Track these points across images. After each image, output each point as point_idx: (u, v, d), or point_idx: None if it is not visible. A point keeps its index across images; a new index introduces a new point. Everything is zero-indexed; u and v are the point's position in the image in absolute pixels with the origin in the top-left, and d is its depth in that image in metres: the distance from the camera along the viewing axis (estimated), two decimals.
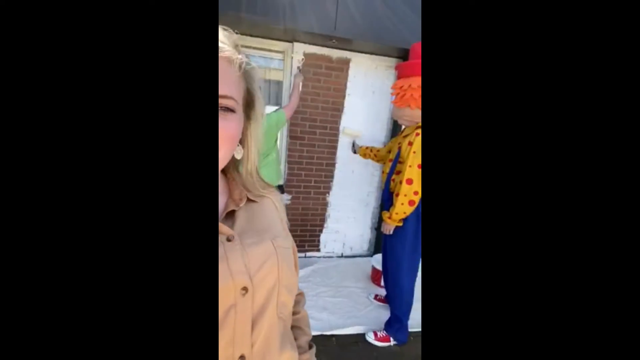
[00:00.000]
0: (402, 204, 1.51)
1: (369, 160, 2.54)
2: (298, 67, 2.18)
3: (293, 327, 0.54)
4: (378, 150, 2.09)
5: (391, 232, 1.62)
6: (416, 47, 1.62)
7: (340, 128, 2.41)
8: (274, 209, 0.51)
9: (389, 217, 1.57)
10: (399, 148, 1.61)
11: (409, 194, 1.49)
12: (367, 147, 2.18)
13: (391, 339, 1.74)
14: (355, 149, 2.34)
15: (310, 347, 0.55)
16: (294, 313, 0.54)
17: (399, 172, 1.59)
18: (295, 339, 0.53)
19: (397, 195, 1.52)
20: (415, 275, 1.72)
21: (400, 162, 1.60)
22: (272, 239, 0.44)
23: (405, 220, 1.58)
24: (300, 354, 0.51)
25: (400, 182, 1.51)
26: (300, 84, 2.08)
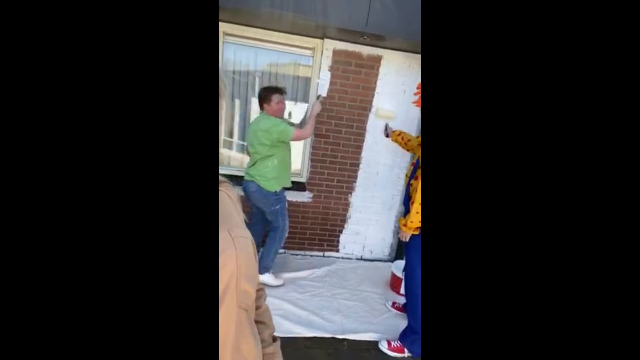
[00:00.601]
0: (418, 212, 1.43)
1: (395, 163, 2.45)
2: (318, 95, 2.09)
3: (256, 322, 0.54)
4: (409, 140, 1.94)
5: (407, 240, 1.55)
6: None
7: (373, 109, 2.31)
8: (229, 201, 0.51)
9: (404, 225, 1.50)
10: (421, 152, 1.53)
11: None
12: (399, 133, 2.02)
13: (405, 350, 1.68)
14: (387, 132, 2.18)
15: (274, 339, 0.57)
16: (256, 307, 0.55)
17: (417, 178, 1.51)
18: (259, 333, 0.53)
19: (413, 203, 1.44)
20: None
21: (420, 167, 1.52)
22: (229, 230, 0.44)
23: None
24: (264, 347, 0.53)
25: (417, 190, 1.43)
26: (318, 111, 1.99)
